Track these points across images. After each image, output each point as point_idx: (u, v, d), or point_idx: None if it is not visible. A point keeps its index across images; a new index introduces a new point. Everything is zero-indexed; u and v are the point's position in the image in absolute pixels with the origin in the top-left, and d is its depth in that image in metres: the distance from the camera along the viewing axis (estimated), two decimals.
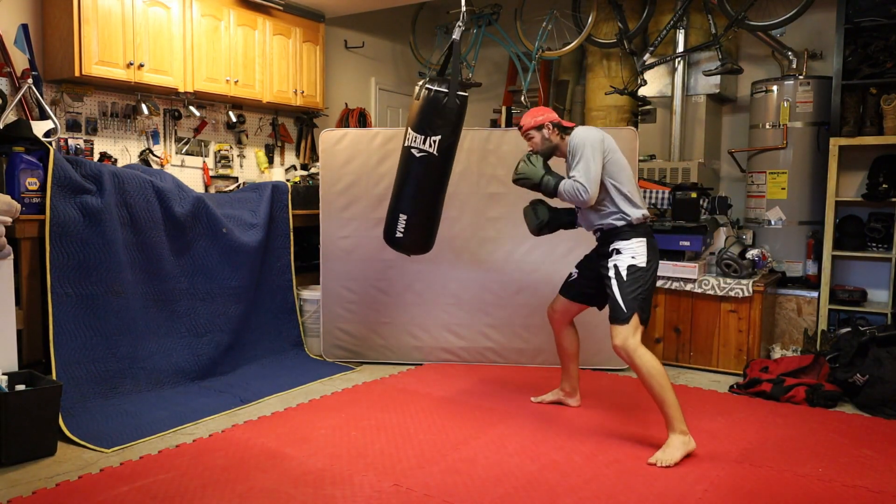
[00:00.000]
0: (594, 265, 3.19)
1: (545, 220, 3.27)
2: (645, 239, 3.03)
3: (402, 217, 3.47)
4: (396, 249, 3.61)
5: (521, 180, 3.18)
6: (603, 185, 3.01)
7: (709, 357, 4.34)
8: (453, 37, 3.42)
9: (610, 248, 3.06)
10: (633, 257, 2.99)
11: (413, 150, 3.39)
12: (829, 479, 2.70)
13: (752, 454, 2.94)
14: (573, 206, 3.25)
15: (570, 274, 3.41)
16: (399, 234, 3.50)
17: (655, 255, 3.06)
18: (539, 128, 3.16)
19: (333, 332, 4.41)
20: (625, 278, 2.97)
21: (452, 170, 4.32)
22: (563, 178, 3.06)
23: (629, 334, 2.92)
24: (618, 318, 2.96)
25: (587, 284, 3.28)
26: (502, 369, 4.26)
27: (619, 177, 3.03)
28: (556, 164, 3.22)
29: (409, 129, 3.40)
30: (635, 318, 2.93)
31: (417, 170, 3.40)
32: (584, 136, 3.01)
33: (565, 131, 3.14)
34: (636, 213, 3.03)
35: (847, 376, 3.67)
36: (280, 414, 3.38)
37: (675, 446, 2.84)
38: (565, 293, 3.40)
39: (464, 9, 3.53)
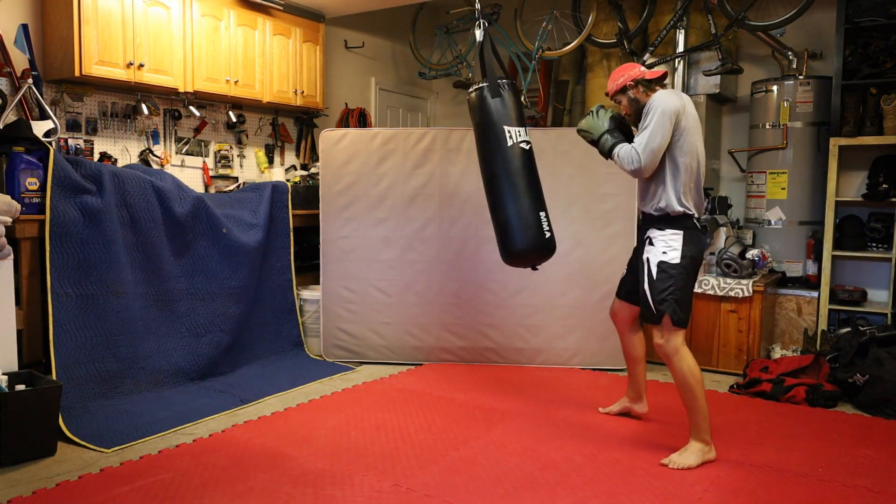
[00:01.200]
0: (637, 259, 3.01)
1: (607, 128, 2.92)
2: (682, 232, 2.79)
3: (543, 214, 3.16)
4: (542, 256, 3.19)
5: (581, 132, 2.99)
6: (661, 163, 2.77)
7: (709, 357, 4.34)
8: (477, 39, 3.28)
9: (645, 236, 2.90)
10: (664, 252, 2.79)
11: (522, 145, 3.15)
12: (829, 479, 2.70)
13: (752, 454, 2.94)
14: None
15: (624, 273, 3.23)
16: (548, 234, 3.15)
17: (693, 249, 2.80)
18: (623, 90, 2.91)
19: (333, 332, 4.41)
20: (655, 276, 2.79)
21: (453, 170, 4.35)
22: (623, 141, 2.84)
23: (668, 335, 2.77)
24: (648, 318, 2.82)
25: (635, 281, 3.02)
26: (502, 369, 4.26)
27: (680, 161, 2.77)
28: None
29: (506, 127, 3.13)
30: (667, 320, 2.76)
31: (532, 163, 3.19)
32: (662, 102, 2.74)
33: (650, 87, 2.85)
34: (676, 208, 2.78)
35: (847, 376, 3.67)
36: (280, 414, 3.38)
37: (694, 452, 2.79)
38: (618, 293, 3.22)
39: (478, 6, 3.40)
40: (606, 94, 3.04)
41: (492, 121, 3.16)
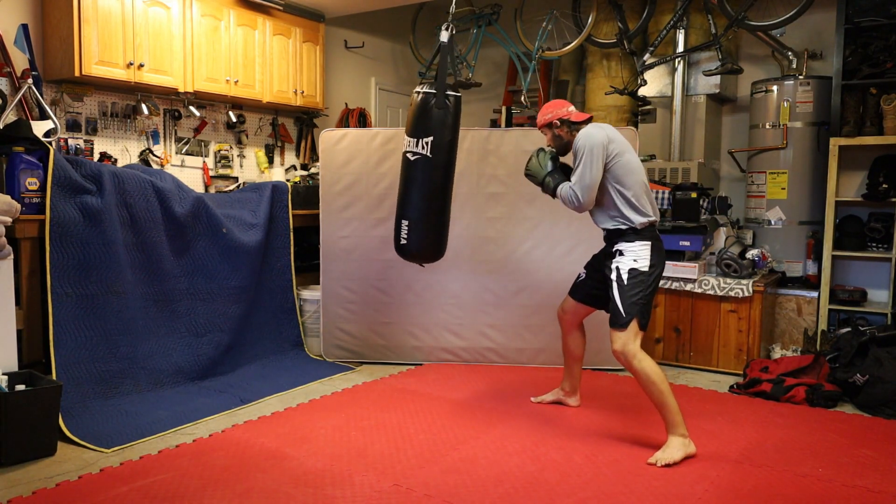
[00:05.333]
0: (600, 266, 3.16)
1: (548, 171, 3.12)
2: (650, 242, 2.97)
3: (405, 223, 3.44)
4: (405, 258, 3.55)
5: (528, 175, 3.18)
6: (606, 189, 2.97)
7: (709, 357, 4.34)
8: (441, 39, 3.41)
9: (614, 249, 3.03)
10: (634, 260, 2.95)
11: (408, 155, 3.39)
12: (829, 479, 2.70)
13: (752, 454, 2.94)
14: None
15: (579, 275, 3.37)
16: (403, 241, 3.46)
17: (661, 259, 3.01)
18: (549, 125, 3.12)
19: (333, 332, 4.41)
20: (626, 282, 2.94)
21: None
22: (565, 181, 3.04)
23: (629, 339, 2.89)
24: (617, 322, 2.94)
25: (594, 286, 3.23)
26: (502, 369, 4.26)
27: (625, 181, 2.95)
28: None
29: (405, 134, 3.42)
30: (634, 324, 2.90)
31: (413, 173, 3.39)
32: (587, 138, 2.94)
33: (575, 127, 3.06)
34: (640, 220, 2.96)
35: (847, 376, 3.67)
36: (280, 414, 3.38)
37: (675, 447, 2.84)
38: (573, 294, 3.37)
39: (452, 10, 3.55)
40: (536, 124, 3.23)
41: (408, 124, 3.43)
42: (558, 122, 3.08)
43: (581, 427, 3.25)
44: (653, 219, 3.01)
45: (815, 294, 4.46)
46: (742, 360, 4.23)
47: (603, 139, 2.94)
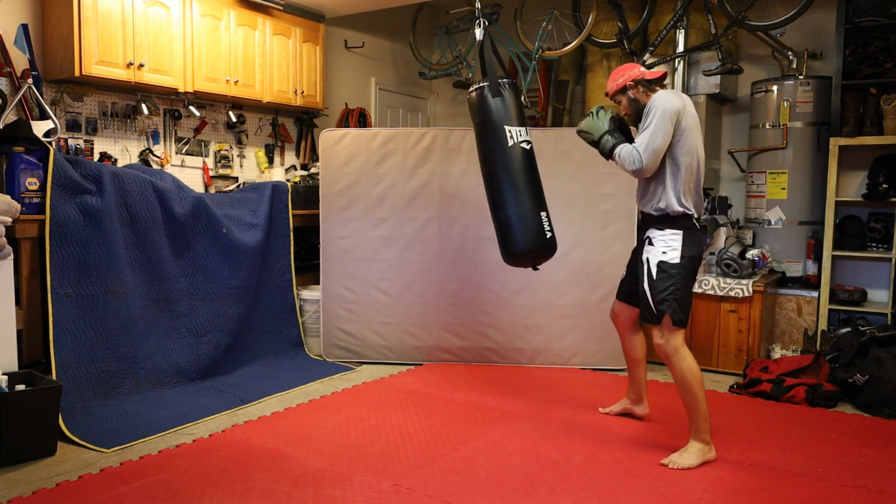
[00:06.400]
0: (636, 259, 3.02)
1: (607, 129, 2.92)
2: (682, 232, 2.79)
3: (544, 214, 3.17)
4: (543, 256, 3.21)
5: (581, 133, 2.98)
6: (662, 163, 2.78)
7: (709, 357, 4.34)
8: (477, 38, 3.29)
9: (645, 236, 2.90)
10: (664, 252, 2.79)
11: (524, 145, 3.17)
12: (829, 479, 2.70)
13: (752, 454, 2.94)
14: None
15: (624, 274, 3.23)
16: (549, 234, 3.16)
17: (693, 249, 2.80)
18: (623, 90, 2.91)
19: (333, 332, 4.41)
20: (654, 276, 2.79)
21: (453, 170, 4.35)
22: (624, 141, 2.84)
23: (668, 335, 2.77)
24: (648, 318, 2.83)
25: (634, 282, 3.03)
26: (502, 369, 4.26)
27: (680, 160, 2.77)
28: None
29: (507, 126, 3.14)
30: (667, 320, 2.76)
31: (534, 162, 3.21)
32: (663, 102, 2.74)
33: (651, 87, 2.86)
34: (676, 207, 2.78)
35: (847, 376, 3.67)
36: (280, 414, 3.38)
37: (694, 452, 2.79)
38: (618, 294, 3.23)
39: (478, 5, 3.44)
40: (606, 94, 3.04)
41: (492, 120, 3.16)
42: (633, 83, 2.87)
43: (581, 427, 3.25)
44: (690, 213, 2.81)
45: (815, 294, 4.46)
46: (742, 360, 4.23)
47: (679, 107, 2.76)
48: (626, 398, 3.41)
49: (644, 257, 2.88)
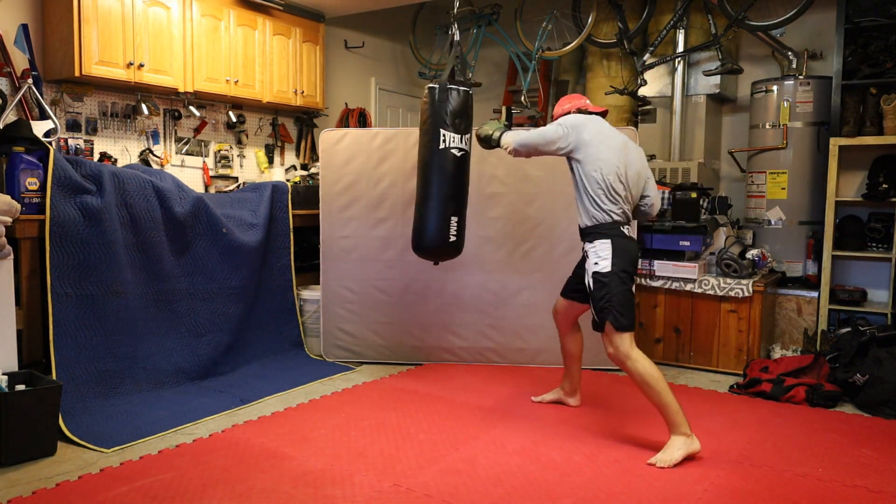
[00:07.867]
0: (582, 262, 3.17)
1: (501, 129, 3.25)
2: (609, 240, 2.90)
3: (454, 220, 3.44)
4: (443, 256, 3.55)
5: (479, 138, 3.29)
6: (573, 179, 3.01)
7: (709, 357, 4.34)
8: (455, 38, 3.53)
9: (583, 249, 3.06)
10: (595, 263, 2.93)
11: (454, 151, 3.38)
12: (829, 479, 2.70)
13: (752, 454, 2.94)
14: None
15: (571, 274, 3.41)
16: (453, 238, 3.44)
17: (624, 256, 2.90)
18: (566, 115, 3.13)
19: (333, 332, 4.41)
20: (592, 287, 2.94)
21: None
22: (511, 132, 3.16)
23: (616, 341, 2.88)
24: (595, 327, 2.96)
25: (577, 281, 3.26)
26: (502, 369, 4.26)
27: (592, 174, 2.91)
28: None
29: (442, 130, 3.35)
30: (609, 327, 2.88)
31: (462, 169, 3.44)
32: (566, 116, 3.03)
33: (588, 115, 3.11)
34: (600, 217, 2.93)
35: (847, 376, 3.67)
36: (280, 414, 3.38)
37: (676, 447, 2.82)
38: (563, 292, 3.42)
39: (455, 10, 3.67)
40: (552, 118, 3.26)
41: (432, 121, 3.38)
42: (576, 111, 3.12)
43: (581, 427, 3.25)
44: (616, 217, 2.93)
45: (815, 294, 4.46)
46: (742, 360, 4.23)
47: (580, 122, 2.97)
48: (560, 388, 3.59)
49: (585, 269, 3.03)
